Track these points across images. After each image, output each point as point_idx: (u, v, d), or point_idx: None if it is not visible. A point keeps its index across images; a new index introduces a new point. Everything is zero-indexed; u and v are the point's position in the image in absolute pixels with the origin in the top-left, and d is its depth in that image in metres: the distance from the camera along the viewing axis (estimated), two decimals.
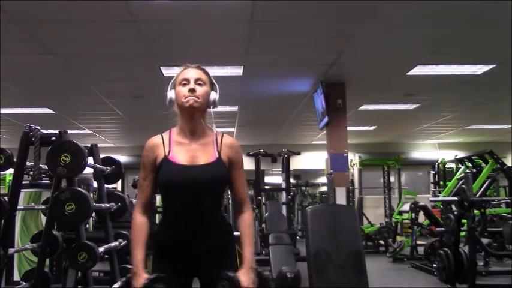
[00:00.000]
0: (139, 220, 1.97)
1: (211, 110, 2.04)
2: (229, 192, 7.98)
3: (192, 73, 1.99)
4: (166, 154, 1.94)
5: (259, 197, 7.86)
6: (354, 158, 13.16)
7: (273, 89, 7.63)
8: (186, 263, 1.95)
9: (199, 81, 1.97)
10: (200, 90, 1.96)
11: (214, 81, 2.05)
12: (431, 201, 8.16)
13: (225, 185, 2.02)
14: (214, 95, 2.02)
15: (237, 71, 6.46)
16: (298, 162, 11.96)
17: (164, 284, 1.83)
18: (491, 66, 6.39)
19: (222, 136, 2.02)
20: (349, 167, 11.51)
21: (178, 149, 1.95)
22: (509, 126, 10.84)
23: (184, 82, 1.97)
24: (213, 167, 1.93)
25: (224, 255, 1.98)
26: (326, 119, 7.03)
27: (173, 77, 2.04)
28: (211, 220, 1.96)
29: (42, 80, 6.84)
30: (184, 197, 1.91)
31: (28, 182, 4.10)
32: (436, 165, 10.35)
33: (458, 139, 13.39)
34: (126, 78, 6.88)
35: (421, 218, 8.51)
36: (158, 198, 7.30)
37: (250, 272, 1.93)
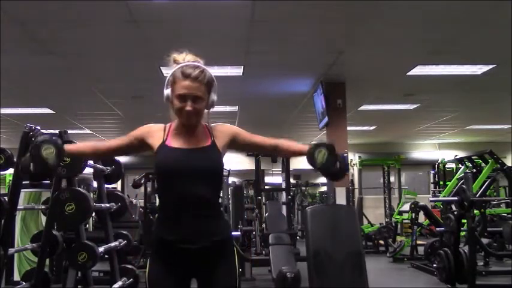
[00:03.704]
0: (88, 143, 2.12)
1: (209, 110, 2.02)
2: (229, 192, 7.92)
3: (191, 88, 1.90)
4: (164, 139, 1.96)
5: (259, 197, 7.85)
6: (354, 158, 13.15)
7: (273, 89, 7.63)
8: (183, 262, 1.93)
9: (197, 100, 1.91)
10: (198, 108, 1.93)
11: (213, 80, 1.98)
12: (431, 201, 8.16)
13: (220, 173, 2.02)
14: (212, 97, 1.98)
15: (237, 71, 6.45)
16: (298, 162, 11.92)
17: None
18: (491, 66, 6.39)
19: (212, 126, 2.04)
20: (349, 167, 11.51)
21: (176, 137, 1.98)
22: (509, 126, 10.83)
23: (182, 99, 1.91)
24: (208, 151, 1.95)
25: (223, 255, 1.96)
26: (326, 119, 7.03)
27: None
28: (210, 217, 1.94)
29: (42, 80, 6.83)
30: (181, 183, 1.89)
31: (28, 182, 4.11)
32: (436, 165, 10.35)
33: (458, 139, 13.39)
34: (126, 78, 6.88)
35: (421, 218, 8.51)
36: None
37: None
